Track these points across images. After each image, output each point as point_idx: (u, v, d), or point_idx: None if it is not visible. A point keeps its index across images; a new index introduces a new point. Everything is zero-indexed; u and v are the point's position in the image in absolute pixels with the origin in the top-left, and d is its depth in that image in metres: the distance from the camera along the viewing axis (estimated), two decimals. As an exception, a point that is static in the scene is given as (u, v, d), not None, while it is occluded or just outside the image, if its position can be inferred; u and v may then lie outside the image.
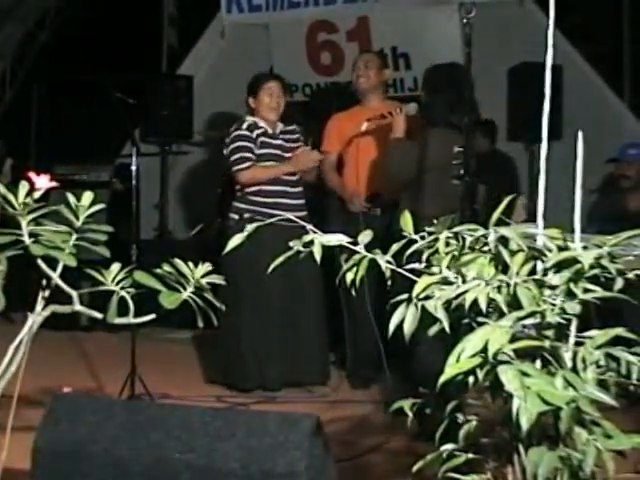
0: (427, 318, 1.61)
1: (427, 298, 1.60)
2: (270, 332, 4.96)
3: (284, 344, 5.01)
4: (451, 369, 1.47)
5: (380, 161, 5.04)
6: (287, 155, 5.15)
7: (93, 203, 1.81)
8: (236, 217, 5.10)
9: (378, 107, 5.22)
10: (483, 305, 1.52)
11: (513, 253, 1.58)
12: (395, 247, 1.70)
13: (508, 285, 1.54)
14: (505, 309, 1.53)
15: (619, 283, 1.57)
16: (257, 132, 5.11)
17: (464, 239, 1.65)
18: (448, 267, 1.62)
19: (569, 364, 1.54)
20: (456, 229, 1.67)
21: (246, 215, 5.02)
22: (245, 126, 5.12)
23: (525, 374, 1.44)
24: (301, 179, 5.19)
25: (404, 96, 6.86)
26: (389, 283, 1.72)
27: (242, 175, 5.05)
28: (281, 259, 1.69)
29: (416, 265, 1.68)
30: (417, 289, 1.60)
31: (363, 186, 5.29)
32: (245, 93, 5.37)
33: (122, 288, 1.79)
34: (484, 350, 1.44)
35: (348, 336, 5.20)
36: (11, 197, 1.71)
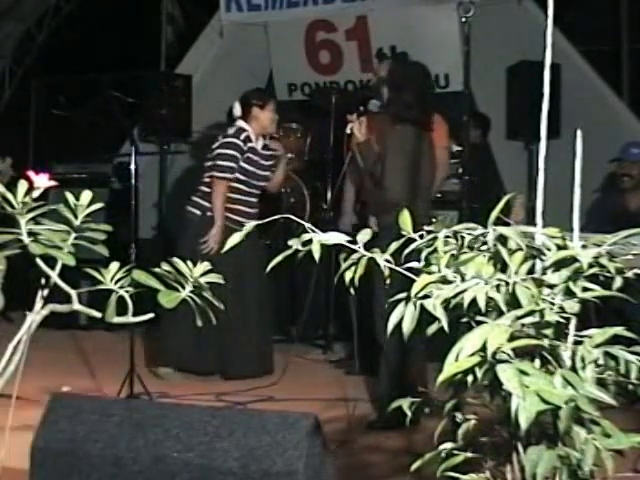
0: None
1: (426, 297, 1.60)
2: (231, 321, 5.15)
3: (249, 334, 5.36)
4: (450, 368, 1.47)
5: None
6: (262, 173, 5.48)
7: (92, 202, 1.81)
8: (198, 213, 5.40)
9: None
10: (482, 304, 1.52)
11: (512, 252, 1.58)
12: (394, 245, 1.69)
13: (507, 284, 1.54)
14: (504, 308, 1.53)
15: (618, 282, 1.57)
16: (249, 145, 5.38)
17: (463, 238, 1.65)
18: (447, 266, 1.62)
19: (568, 363, 1.54)
20: (455, 228, 1.67)
21: (209, 213, 5.33)
22: (243, 137, 5.35)
23: (524, 373, 1.44)
24: (264, 192, 5.61)
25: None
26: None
27: (219, 184, 5.31)
28: (279, 258, 1.69)
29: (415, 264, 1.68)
30: (416, 288, 1.60)
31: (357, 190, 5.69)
32: (243, 92, 5.44)
33: (121, 287, 1.78)
34: (483, 349, 1.44)
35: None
36: (10, 196, 1.70)
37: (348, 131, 4.65)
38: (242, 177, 5.37)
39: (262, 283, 5.43)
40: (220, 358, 5.33)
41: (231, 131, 5.39)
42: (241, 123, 5.40)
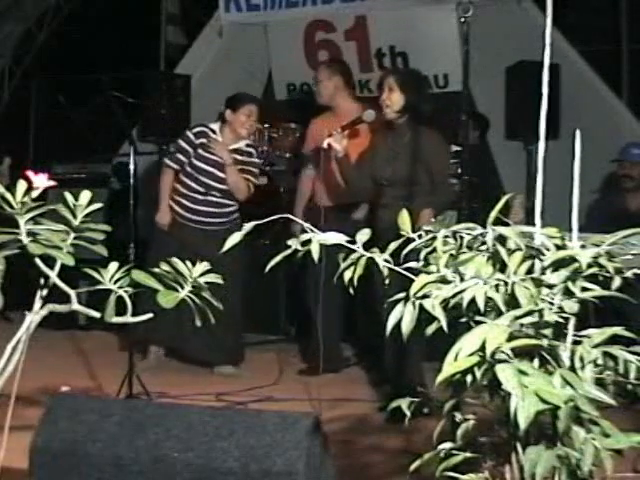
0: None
1: (425, 297, 1.60)
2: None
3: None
4: (449, 368, 1.47)
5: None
6: (217, 173, 5.43)
7: (91, 202, 1.81)
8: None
9: (349, 108, 5.44)
10: (481, 304, 1.52)
11: (511, 252, 1.58)
12: (393, 245, 1.69)
13: (506, 284, 1.54)
14: (503, 308, 1.53)
15: (617, 282, 1.57)
16: (201, 141, 5.43)
17: (462, 238, 1.65)
18: (446, 266, 1.62)
19: (567, 363, 1.54)
20: (454, 227, 1.67)
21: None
22: (195, 131, 5.47)
23: (523, 373, 1.44)
24: (229, 196, 5.50)
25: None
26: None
27: (164, 171, 5.57)
28: (279, 258, 1.69)
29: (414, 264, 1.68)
30: (415, 288, 1.60)
31: (329, 195, 5.52)
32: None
33: (120, 287, 1.78)
34: (482, 349, 1.44)
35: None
36: (9, 196, 1.70)
37: (325, 146, 4.67)
38: (190, 170, 5.45)
39: (230, 277, 5.35)
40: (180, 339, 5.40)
41: (191, 127, 5.58)
42: (213, 123, 5.49)
